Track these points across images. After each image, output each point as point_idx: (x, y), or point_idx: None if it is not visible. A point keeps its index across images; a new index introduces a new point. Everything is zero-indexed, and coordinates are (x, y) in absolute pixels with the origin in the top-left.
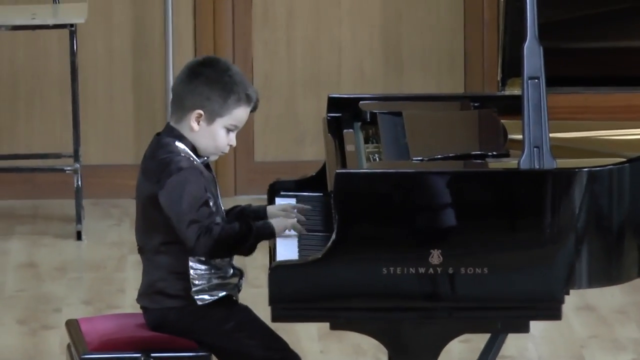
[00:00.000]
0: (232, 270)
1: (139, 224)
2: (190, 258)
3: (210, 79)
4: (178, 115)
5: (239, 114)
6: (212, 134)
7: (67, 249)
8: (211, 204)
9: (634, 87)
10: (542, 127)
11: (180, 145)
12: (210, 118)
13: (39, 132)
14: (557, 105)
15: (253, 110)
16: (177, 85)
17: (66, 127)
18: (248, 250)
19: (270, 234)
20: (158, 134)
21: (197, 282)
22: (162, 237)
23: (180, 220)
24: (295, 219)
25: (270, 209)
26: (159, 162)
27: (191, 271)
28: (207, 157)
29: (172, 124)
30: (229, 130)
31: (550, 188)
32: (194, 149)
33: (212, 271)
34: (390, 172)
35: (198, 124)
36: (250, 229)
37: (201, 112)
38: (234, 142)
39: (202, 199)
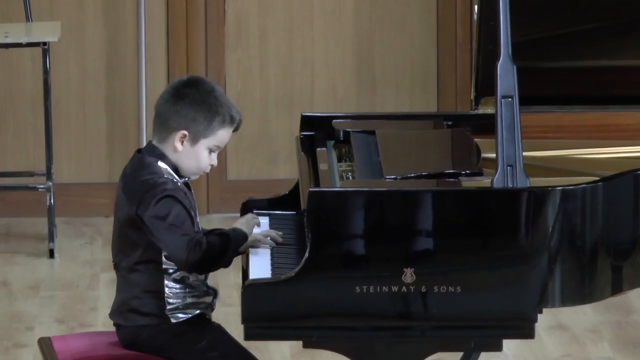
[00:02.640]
0: (206, 289)
1: (115, 241)
2: (165, 277)
3: (195, 101)
4: (162, 135)
5: (223, 134)
6: (195, 155)
7: (39, 267)
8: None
9: (607, 106)
10: (516, 146)
11: (162, 165)
12: (195, 139)
13: (12, 150)
14: (531, 124)
15: (235, 130)
16: (162, 105)
17: (39, 146)
18: (227, 262)
19: (243, 237)
20: (139, 151)
21: (172, 300)
22: (138, 255)
23: (170, 236)
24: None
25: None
26: (142, 183)
27: (166, 290)
28: (189, 178)
29: (154, 142)
30: (211, 150)
31: (523, 207)
32: (175, 169)
33: (187, 290)
34: (363, 190)
35: (182, 144)
36: (228, 238)
37: (186, 132)
38: (215, 162)
39: (187, 218)
